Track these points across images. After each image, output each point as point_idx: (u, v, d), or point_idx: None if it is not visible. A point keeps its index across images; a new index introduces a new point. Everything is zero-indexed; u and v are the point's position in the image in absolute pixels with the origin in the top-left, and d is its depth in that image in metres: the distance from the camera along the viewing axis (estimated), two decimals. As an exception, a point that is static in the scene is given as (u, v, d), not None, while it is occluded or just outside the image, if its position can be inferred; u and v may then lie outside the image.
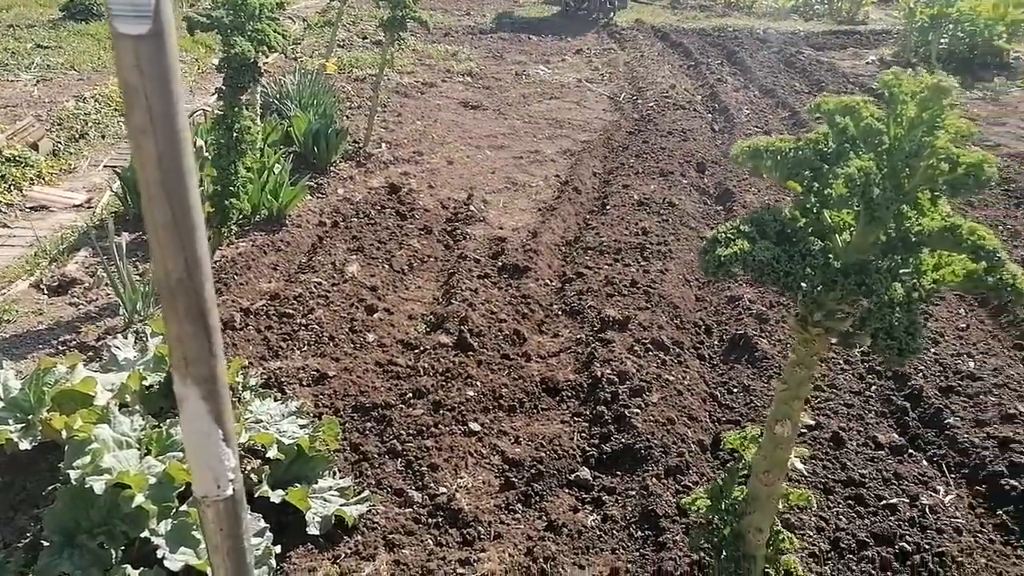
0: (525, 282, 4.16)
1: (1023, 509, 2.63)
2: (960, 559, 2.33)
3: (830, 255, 1.29)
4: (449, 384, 3.12)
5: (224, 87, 3.73)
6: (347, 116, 6.87)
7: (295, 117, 5.80)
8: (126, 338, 2.94)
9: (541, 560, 2.30)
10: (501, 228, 5.04)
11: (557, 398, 3.20)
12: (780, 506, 1.63)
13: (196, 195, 0.95)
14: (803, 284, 1.25)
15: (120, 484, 2.02)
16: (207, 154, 3.92)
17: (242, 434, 2.33)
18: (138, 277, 3.64)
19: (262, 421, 2.50)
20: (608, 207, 5.39)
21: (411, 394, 3.04)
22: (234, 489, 1.09)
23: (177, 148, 0.90)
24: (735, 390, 3.29)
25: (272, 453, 2.36)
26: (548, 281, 4.29)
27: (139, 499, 1.99)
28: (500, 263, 4.38)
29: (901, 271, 1.24)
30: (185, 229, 0.93)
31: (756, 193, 5.76)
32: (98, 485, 1.98)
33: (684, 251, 4.76)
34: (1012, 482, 2.71)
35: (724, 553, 1.64)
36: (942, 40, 10.97)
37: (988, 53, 11.05)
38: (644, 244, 4.66)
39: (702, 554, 2.04)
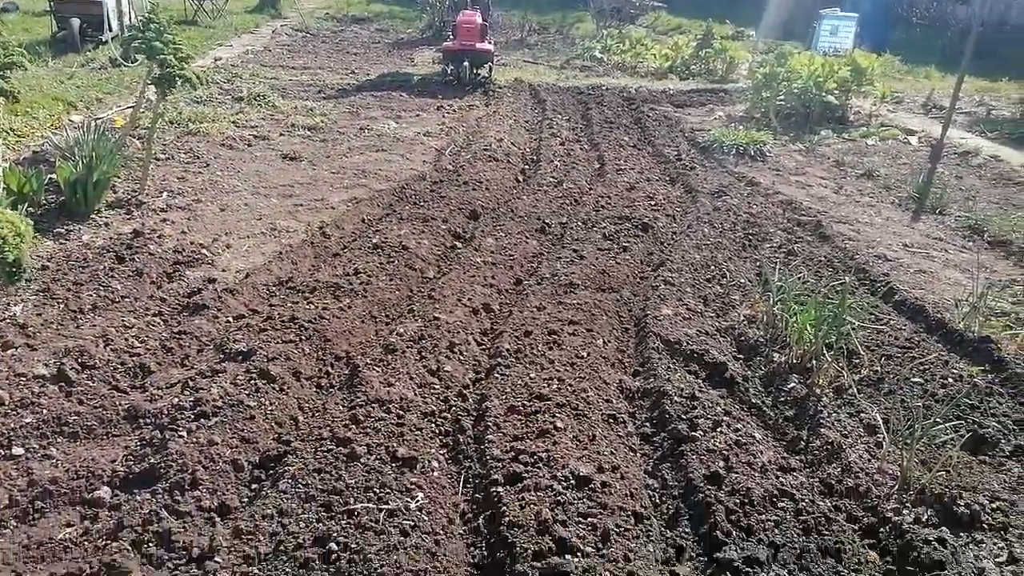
0: (196, 320, 4.36)
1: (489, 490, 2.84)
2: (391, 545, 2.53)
3: None
4: (18, 413, 3.28)
5: None
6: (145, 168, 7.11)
7: (59, 168, 6.04)
8: None
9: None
10: (225, 271, 5.26)
11: (134, 425, 3.36)
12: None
13: None
14: None
15: None
16: None
17: None
18: None
19: None
20: (348, 250, 5.65)
21: (-27, 424, 3.20)
22: None
23: None
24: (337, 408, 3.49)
25: None
26: (227, 319, 4.48)
27: None
28: (188, 302, 4.59)
29: None
30: None
31: (496, 238, 6.07)
32: None
33: (391, 289, 5.00)
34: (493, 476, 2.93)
35: None
36: (779, 97, 11.63)
37: (825, 108, 11.71)
38: (344, 284, 4.89)
39: None
